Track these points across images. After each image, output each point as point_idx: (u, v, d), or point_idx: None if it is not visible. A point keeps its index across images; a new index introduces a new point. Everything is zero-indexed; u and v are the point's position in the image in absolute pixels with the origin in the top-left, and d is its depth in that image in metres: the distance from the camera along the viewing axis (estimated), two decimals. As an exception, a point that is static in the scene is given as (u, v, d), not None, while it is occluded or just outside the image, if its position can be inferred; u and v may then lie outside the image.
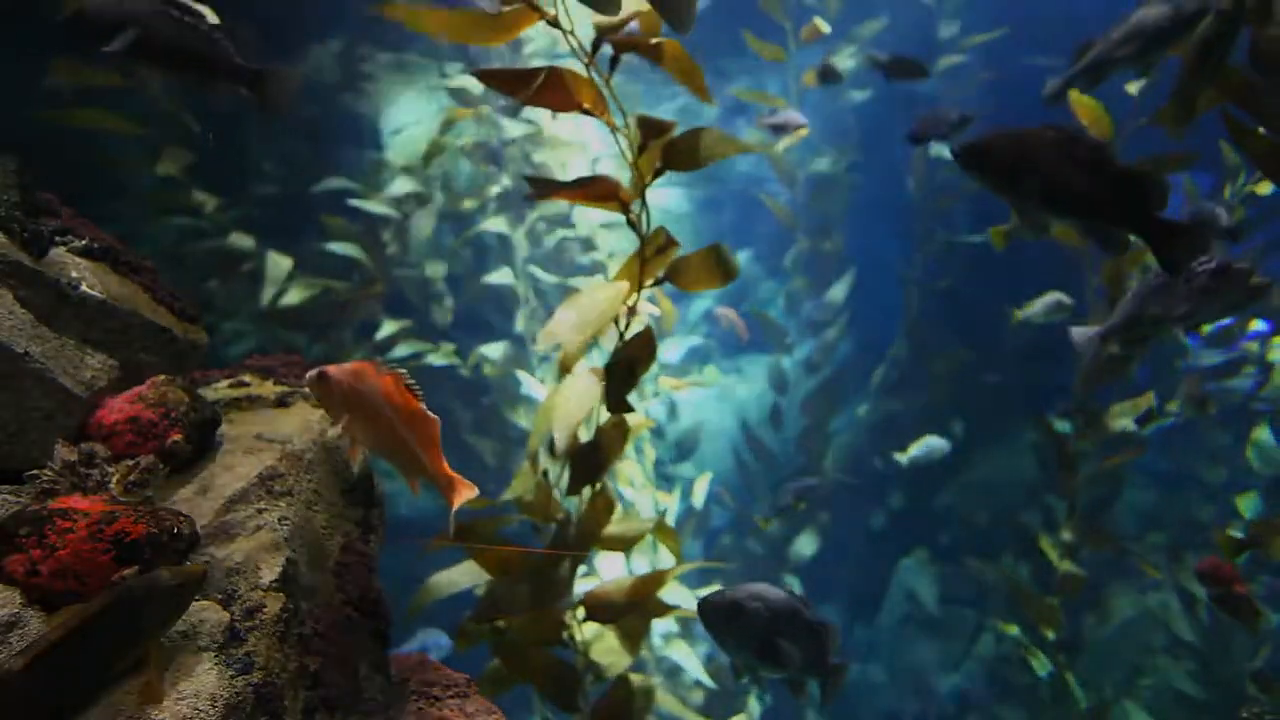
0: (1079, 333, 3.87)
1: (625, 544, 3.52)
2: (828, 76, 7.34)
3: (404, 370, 1.90)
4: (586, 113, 2.94)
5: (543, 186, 3.14)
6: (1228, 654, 6.55)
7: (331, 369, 1.85)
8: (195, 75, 2.60)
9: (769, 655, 2.59)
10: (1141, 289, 3.47)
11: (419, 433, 1.90)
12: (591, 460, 3.31)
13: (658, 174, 3.06)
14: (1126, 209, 2.50)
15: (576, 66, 2.90)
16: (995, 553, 8.74)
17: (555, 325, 3.05)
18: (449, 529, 2.04)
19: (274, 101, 2.67)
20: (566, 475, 3.42)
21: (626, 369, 3.26)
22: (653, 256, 3.15)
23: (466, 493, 1.94)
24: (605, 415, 3.37)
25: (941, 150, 9.82)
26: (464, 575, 3.47)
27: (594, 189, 3.02)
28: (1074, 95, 3.88)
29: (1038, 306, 5.49)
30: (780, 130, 7.45)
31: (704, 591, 6.41)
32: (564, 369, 3.20)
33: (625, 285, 3.16)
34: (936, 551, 9.57)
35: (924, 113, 6.31)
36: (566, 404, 3.16)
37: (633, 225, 3.12)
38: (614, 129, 2.97)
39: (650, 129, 2.95)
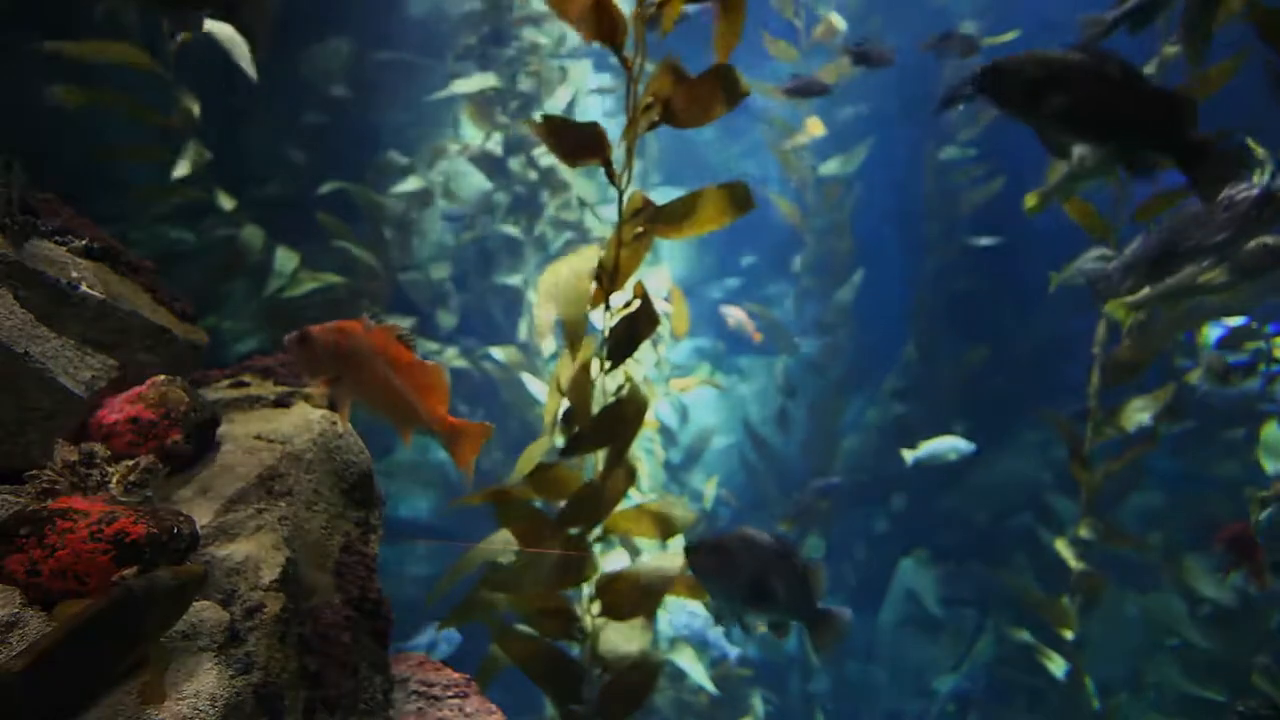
0: (1095, 268, 3.66)
1: (670, 529, 3.44)
2: (869, 59, 6.72)
3: (394, 324, 1.84)
4: (614, 50, 2.85)
5: (539, 128, 3.03)
6: (1232, 655, 6.54)
7: (314, 329, 1.78)
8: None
9: (757, 598, 2.59)
10: (1174, 219, 3.23)
11: (417, 383, 1.83)
12: (609, 425, 3.25)
13: (652, 126, 2.98)
14: (1157, 130, 2.38)
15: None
16: (997, 553, 8.74)
17: (543, 316, 3.05)
18: (468, 478, 1.96)
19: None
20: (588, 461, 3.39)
21: (627, 329, 3.21)
22: (630, 217, 3.11)
23: (475, 434, 1.86)
24: (612, 394, 3.34)
25: (952, 153, 9.81)
26: (500, 545, 3.46)
27: (578, 134, 2.93)
28: None
29: (1079, 262, 5.19)
30: (803, 94, 7.22)
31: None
32: (571, 343, 3.16)
33: (593, 252, 3.14)
34: (937, 552, 9.58)
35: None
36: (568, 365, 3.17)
37: (611, 178, 3.04)
38: (628, 66, 2.87)
39: (676, 76, 2.85)
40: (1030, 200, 4.55)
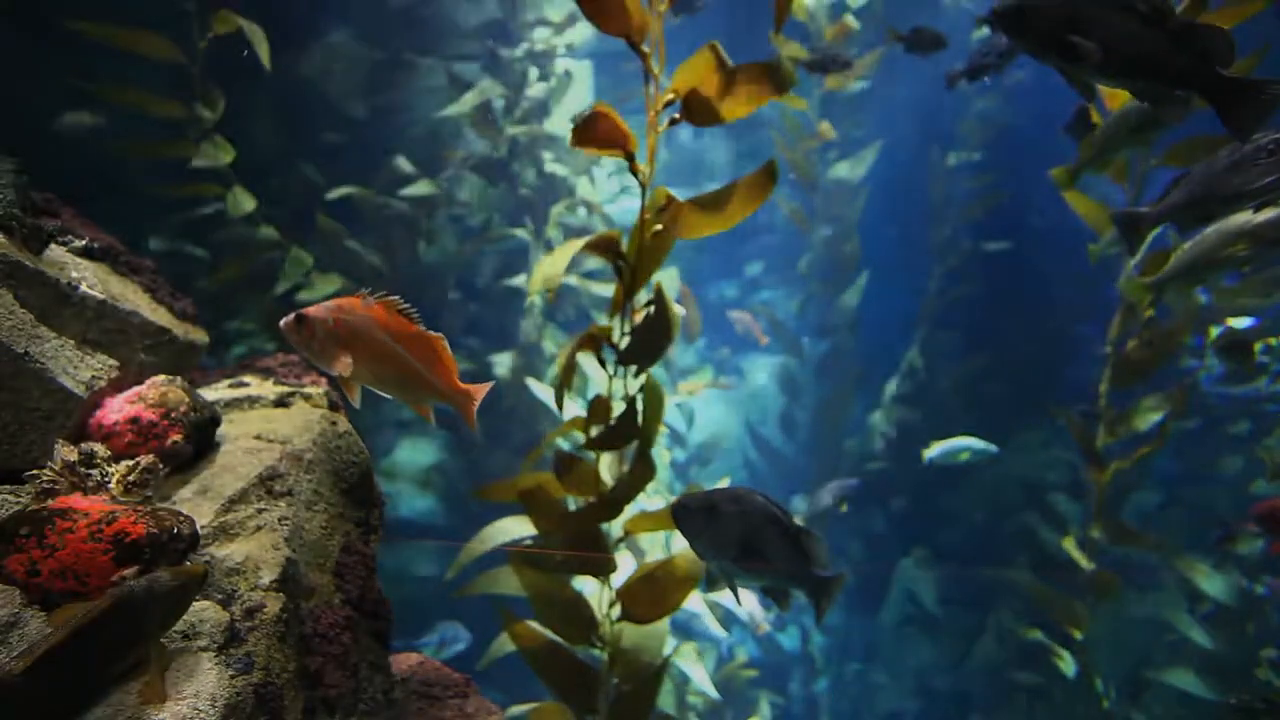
0: (1124, 214, 3.58)
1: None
2: (920, 44, 6.45)
3: (396, 297, 1.80)
4: (631, 45, 2.82)
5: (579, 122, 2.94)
6: (1233, 653, 6.54)
7: (310, 310, 1.71)
8: None
9: (748, 558, 2.48)
10: (1210, 165, 3.12)
11: (421, 353, 1.79)
12: (628, 423, 3.24)
13: (674, 122, 2.95)
14: (1188, 67, 2.27)
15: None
16: (997, 553, 8.75)
17: (539, 268, 3.07)
18: (475, 439, 1.97)
19: None
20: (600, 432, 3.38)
21: (645, 332, 3.19)
22: (654, 215, 3.08)
23: (480, 393, 1.87)
24: (629, 388, 3.34)
25: (962, 157, 9.81)
26: (516, 526, 3.45)
27: (597, 124, 2.88)
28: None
29: (1111, 236, 5.03)
30: (820, 69, 7.04)
31: (716, 595, 6.29)
32: (547, 290, 3.20)
33: (610, 232, 3.15)
34: (937, 552, 9.58)
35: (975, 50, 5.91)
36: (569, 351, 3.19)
37: (634, 172, 3.01)
38: (646, 60, 2.84)
39: (719, 62, 2.80)
40: (1060, 175, 4.47)
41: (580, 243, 3.14)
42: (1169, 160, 4.15)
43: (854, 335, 10.06)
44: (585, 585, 3.70)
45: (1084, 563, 5.42)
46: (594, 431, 3.31)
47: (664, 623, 3.47)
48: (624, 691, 3.32)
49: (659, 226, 3.08)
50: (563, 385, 3.31)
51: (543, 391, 7.06)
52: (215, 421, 2.07)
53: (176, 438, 1.90)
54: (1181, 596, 6.90)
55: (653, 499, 7.29)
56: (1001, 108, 9.61)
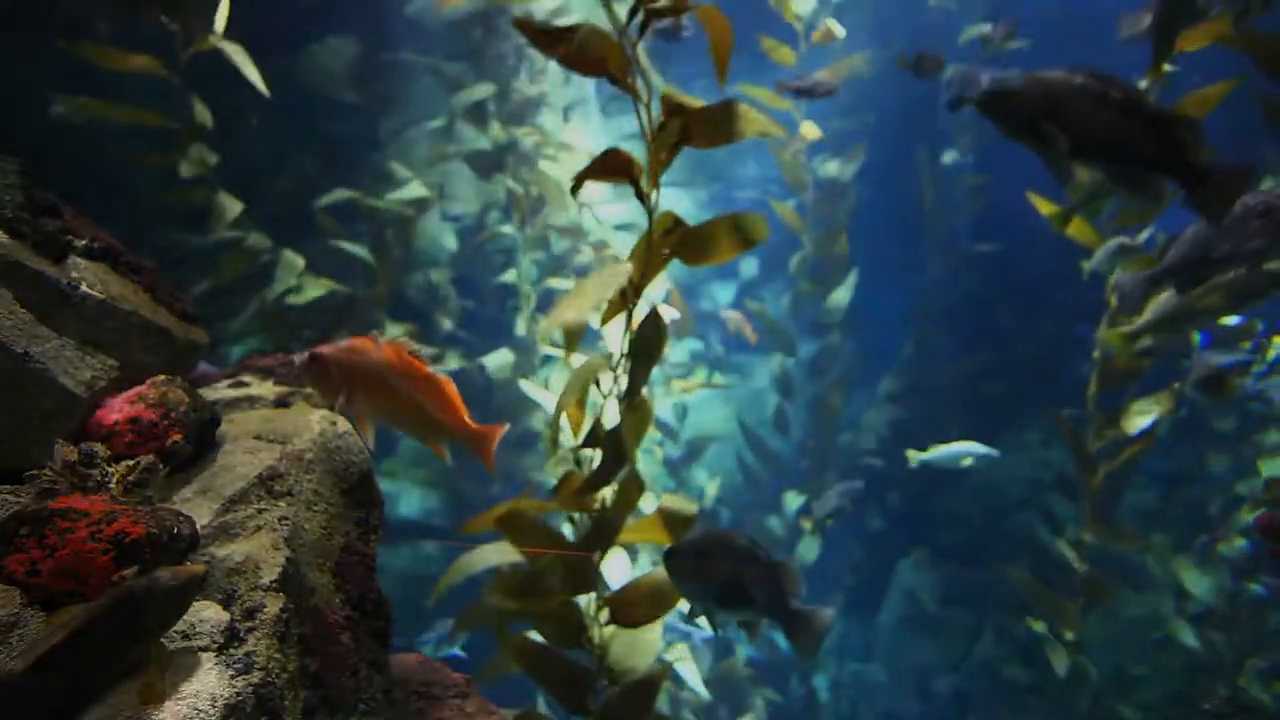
0: (1125, 279, 3.68)
1: (676, 530, 3.38)
2: (922, 67, 6.74)
3: (404, 339, 1.86)
4: (613, 81, 2.84)
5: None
6: (1220, 655, 6.57)
7: (325, 349, 1.79)
8: None
9: (729, 598, 2.63)
10: (1204, 228, 3.24)
11: (431, 395, 1.85)
12: (619, 440, 3.22)
13: (675, 148, 2.94)
14: (1161, 154, 2.37)
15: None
16: (996, 553, 8.77)
17: (558, 309, 3.05)
18: (491, 478, 2.01)
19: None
20: (595, 467, 3.38)
21: (644, 350, 3.19)
22: (660, 238, 3.09)
23: (496, 434, 1.92)
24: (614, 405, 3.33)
25: (953, 158, 9.82)
26: (497, 553, 3.45)
27: (606, 162, 2.89)
28: None
29: (1100, 254, 5.03)
30: (807, 95, 7.12)
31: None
32: (569, 344, 3.18)
33: (628, 266, 3.12)
34: (936, 552, 9.59)
35: (960, 73, 6.00)
36: (579, 377, 3.17)
37: (642, 199, 3.01)
38: (636, 98, 2.85)
39: (672, 108, 2.84)
40: (1054, 218, 4.57)
41: (600, 286, 3.12)
42: None
43: (846, 333, 10.06)
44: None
45: (1077, 564, 5.45)
46: (586, 452, 3.32)
47: (656, 626, 3.47)
48: (617, 695, 3.33)
49: (665, 250, 3.09)
50: (569, 418, 3.29)
51: (535, 392, 7.05)
52: (215, 421, 2.07)
53: (177, 438, 1.90)
54: (1171, 596, 6.94)
55: (645, 499, 7.26)
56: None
